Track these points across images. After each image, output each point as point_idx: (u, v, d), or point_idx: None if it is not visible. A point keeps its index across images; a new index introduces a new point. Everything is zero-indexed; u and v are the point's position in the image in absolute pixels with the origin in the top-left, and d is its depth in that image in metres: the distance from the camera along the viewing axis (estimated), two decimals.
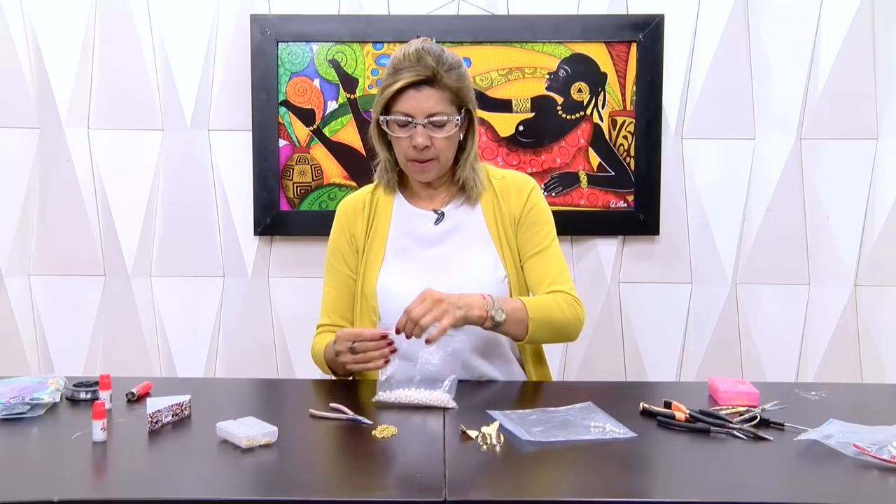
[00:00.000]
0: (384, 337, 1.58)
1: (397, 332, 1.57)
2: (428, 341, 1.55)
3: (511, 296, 1.76)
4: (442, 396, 1.52)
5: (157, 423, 1.39)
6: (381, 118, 1.70)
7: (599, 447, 1.33)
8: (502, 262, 1.77)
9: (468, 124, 1.76)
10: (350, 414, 1.45)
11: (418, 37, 1.75)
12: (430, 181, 1.78)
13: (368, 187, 1.87)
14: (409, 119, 1.67)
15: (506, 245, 1.78)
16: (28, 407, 1.48)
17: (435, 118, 1.67)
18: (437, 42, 1.74)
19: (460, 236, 1.79)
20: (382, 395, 1.53)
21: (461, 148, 1.77)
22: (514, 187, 1.82)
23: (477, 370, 1.75)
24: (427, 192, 1.82)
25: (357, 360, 1.60)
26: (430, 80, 1.66)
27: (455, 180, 1.80)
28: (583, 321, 1.76)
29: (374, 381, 1.77)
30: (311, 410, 1.47)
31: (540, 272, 1.77)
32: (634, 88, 2.56)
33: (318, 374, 2.75)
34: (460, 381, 1.65)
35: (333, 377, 1.80)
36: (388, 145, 1.77)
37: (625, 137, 2.57)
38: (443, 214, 1.80)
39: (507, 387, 1.73)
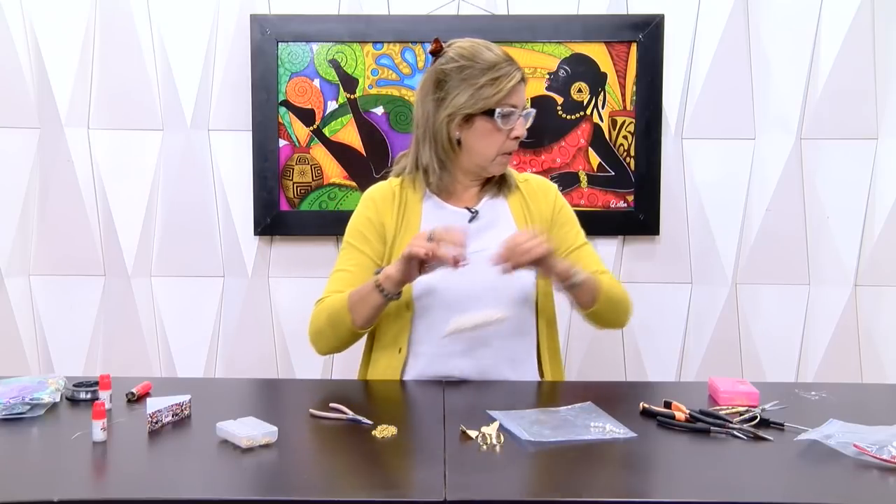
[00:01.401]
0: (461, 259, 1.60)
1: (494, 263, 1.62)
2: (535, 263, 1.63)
3: (538, 298, 1.81)
4: (491, 312, 1.67)
5: (157, 423, 1.39)
6: (498, 110, 1.72)
7: (599, 447, 1.33)
8: None
9: None
10: (350, 414, 1.45)
11: (437, 40, 1.77)
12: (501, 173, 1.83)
13: (394, 181, 1.85)
14: (514, 110, 1.74)
15: None
16: (28, 407, 1.48)
17: (528, 110, 1.78)
18: (434, 42, 1.77)
19: (493, 234, 1.77)
20: (452, 326, 1.67)
21: None
22: (541, 191, 1.88)
23: (501, 376, 1.76)
24: (466, 191, 1.83)
25: (430, 248, 1.58)
26: (523, 75, 1.77)
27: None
28: (630, 305, 1.85)
29: (371, 380, 1.77)
30: (311, 410, 1.47)
31: (583, 265, 1.81)
32: (634, 88, 2.56)
33: (318, 374, 2.74)
34: (462, 382, 1.66)
35: (330, 346, 1.77)
36: (450, 148, 1.77)
37: (625, 137, 2.57)
38: (477, 213, 1.81)
39: (508, 387, 1.72)
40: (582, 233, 1.88)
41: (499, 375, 1.75)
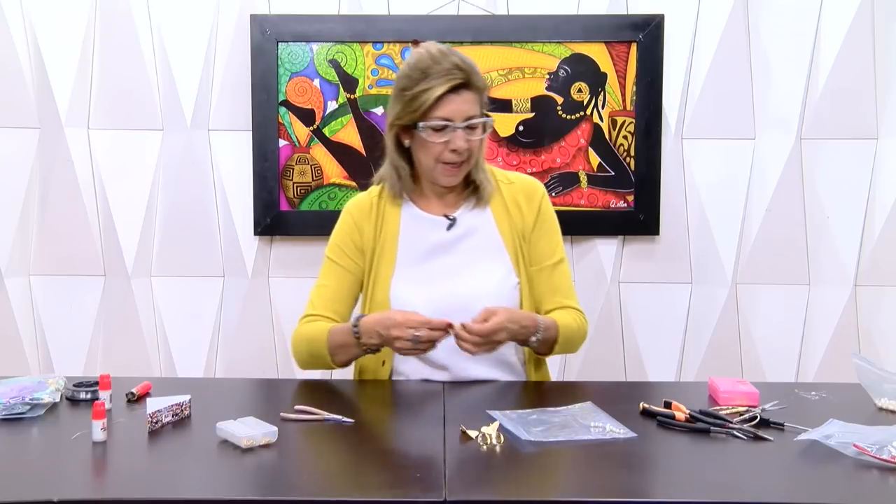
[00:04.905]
0: (450, 325, 1.58)
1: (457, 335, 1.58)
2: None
3: (522, 301, 1.76)
4: None
5: (157, 423, 1.39)
6: (421, 125, 1.66)
7: (599, 447, 1.33)
8: (515, 269, 1.76)
9: None
10: (324, 414, 1.44)
11: (415, 41, 1.73)
12: (452, 185, 1.76)
13: (374, 190, 1.84)
14: (447, 123, 1.65)
15: (518, 251, 1.77)
16: (28, 407, 1.48)
17: (473, 121, 1.67)
18: (438, 42, 1.74)
19: (473, 242, 1.77)
20: None
21: None
22: (524, 193, 1.81)
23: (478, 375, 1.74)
24: (440, 197, 1.79)
25: (419, 348, 1.59)
26: (466, 84, 1.65)
27: (465, 184, 1.78)
28: (586, 335, 1.81)
29: (371, 380, 1.77)
30: (281, 414, 1.44)
31: (551, 285, 1.78)
32: (634, 88, 2.56)
33: (318, 373, 2.74)
34: (460, 382, 1.66)
35: (312, 368, 1.80)
36: (405, 153, 1.75)
37: (625, 137, 2.57)
38: (455, 220, 1.78)
39: (507, 387, 1.72)
40: (561, 246, 1.82)
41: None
